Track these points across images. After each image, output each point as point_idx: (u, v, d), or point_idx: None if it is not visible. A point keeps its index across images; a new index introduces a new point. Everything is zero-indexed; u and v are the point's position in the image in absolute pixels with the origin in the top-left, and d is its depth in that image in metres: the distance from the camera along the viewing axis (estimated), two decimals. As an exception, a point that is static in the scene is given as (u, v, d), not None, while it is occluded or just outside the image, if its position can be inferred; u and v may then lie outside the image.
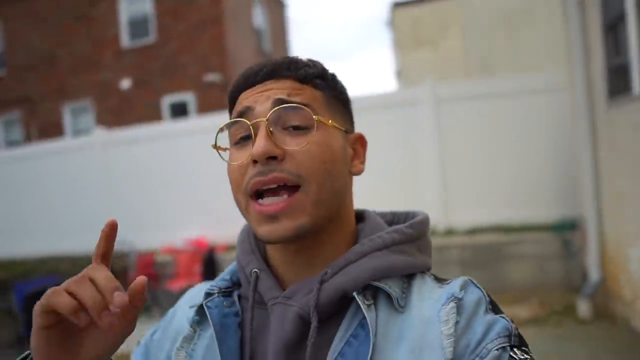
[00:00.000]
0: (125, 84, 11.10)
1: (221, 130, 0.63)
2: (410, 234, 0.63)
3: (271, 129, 0.58)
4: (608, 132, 3.98)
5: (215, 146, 0.64)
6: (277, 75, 0.62)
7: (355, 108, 0.72)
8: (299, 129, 0.59)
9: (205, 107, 10.31)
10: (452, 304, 0.56)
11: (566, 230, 4.93)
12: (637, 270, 3.48)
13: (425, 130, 5.61)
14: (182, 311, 0.70)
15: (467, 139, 5.57)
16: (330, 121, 0.61)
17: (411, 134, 5.70)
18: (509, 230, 5.28)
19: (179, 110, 10.86)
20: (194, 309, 0.65)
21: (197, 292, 0.71)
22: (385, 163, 5.45)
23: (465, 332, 0.55)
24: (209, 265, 5.55)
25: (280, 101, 0.59)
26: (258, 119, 0.59)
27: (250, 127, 0.59)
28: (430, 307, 0.58)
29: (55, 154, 7.17)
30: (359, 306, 0.57)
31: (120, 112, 11.03)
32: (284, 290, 0.61)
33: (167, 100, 11.00)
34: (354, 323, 0.57)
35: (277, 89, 0.61)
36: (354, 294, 0.57)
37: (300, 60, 0.65)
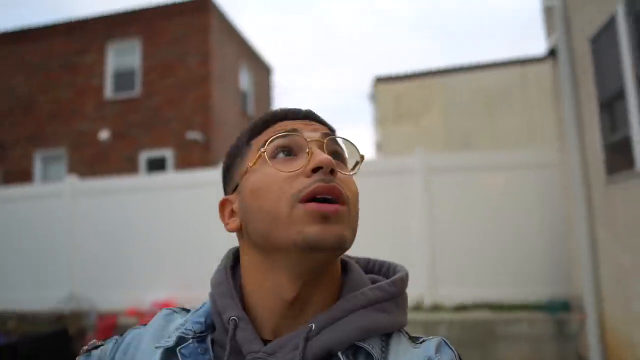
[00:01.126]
0: (104, 134, 10.81)
1: (270, 141, 0.62)
2: (392, 292, 0.63)
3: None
4: (607, 209, 3.88)
5: (262, 155, 0.62)
6: (316, 119, 0.68)
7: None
8: (342, 161, 0.64)
9: (184, 164, 10.07)
10: None
11: (560, 310, 4.70)
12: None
13: (415, 201, 5.46)
14: (146, 347, 0.63)
15: (457, 211, 5.43)
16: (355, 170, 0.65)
17: (400, 205, 5.53)
18: (499, 309, 5.03)
19: (157, 166, 10.55)
20: (161, 350, 0.61)
21: (163, 327, 0.66)
22: (375, 231, 5.25)
23: None
24: (176, 331, 5.03)
25: (332, 132, 0.65)
26: (315, 139, 0.62)
27: (309, 144, 0.60)
28: None
29: (19, 200, 6.67)
30: None
31: (94, 163, 10.65)
32: (263, 340, 0.59)
33: (144, 155, 10.72)
34: None
35: (318, 129, 0.65)
36: (339, 353, 0.57)
37: None
